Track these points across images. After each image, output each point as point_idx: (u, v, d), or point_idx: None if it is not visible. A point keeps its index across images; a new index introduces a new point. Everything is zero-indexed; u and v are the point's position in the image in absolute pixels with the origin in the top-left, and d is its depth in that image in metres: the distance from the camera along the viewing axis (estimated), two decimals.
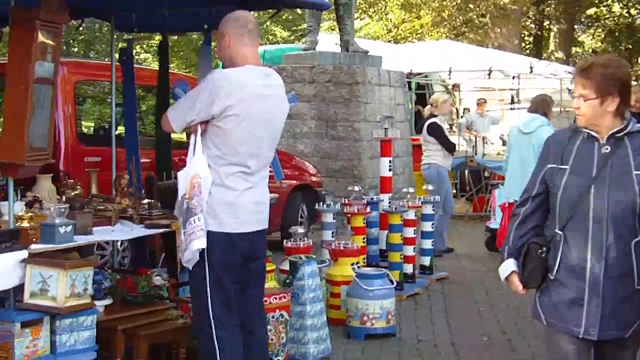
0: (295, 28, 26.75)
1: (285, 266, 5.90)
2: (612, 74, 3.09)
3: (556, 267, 3.15)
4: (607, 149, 3.11)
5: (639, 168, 3.06)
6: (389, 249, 7.59)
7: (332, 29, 23.20)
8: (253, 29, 3.93)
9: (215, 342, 3.83)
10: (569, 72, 14.73)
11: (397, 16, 27.51)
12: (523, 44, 28.65)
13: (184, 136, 6.79)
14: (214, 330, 3.83)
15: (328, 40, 15.04)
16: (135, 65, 6.31)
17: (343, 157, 10.83)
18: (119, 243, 6.54)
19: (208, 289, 3.83)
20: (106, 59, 8.36)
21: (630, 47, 30.49)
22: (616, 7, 30.02)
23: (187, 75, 9.75)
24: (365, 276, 6.09)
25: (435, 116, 9.41)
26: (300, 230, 6.49)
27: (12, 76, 3.95)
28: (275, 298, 5.09)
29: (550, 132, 5.89)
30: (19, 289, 3.91)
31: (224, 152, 3.80)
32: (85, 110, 9.09)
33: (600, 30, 31.68)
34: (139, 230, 4.75)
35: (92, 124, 9.25)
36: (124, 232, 4.72)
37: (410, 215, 7.61)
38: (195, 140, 3.82)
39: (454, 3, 25.47)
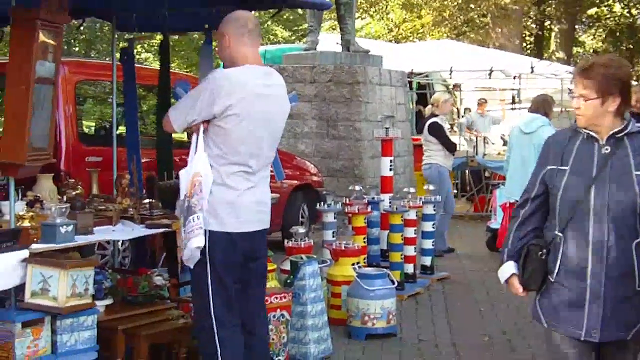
0: (296, 28, 26.72)
1: (286, 266, 5.90)
2: (613, 74, 3.08)
3: (556, 269, 3.13)
4: (607, 149, 3.10)
5: (639, 168, 3.06)
6: (390, 248, 7.59)
7: (333, 29, 23.19)
8: (253, 28, 3.93)
9: (217, 342, 3.83)
10: (570, 72, 14.69)
11: (398, 16, 27.52)
12: (524, 44, 28.63)
13: (185, 136, 6.82)
14: (215, 330, 3.83)
15: (329, 40, 15.05)
16: (136, 65, 6.30)
17: (344, 157, 10.82)
18: (119, 243, 6.52)
19: (209, 288, 3.83)
20: (107, 59, 8.34)
21: (631, 47, 30.44)
22: (617, 7, 29.97)
23: (188, 75, 9.75)
24: (366, 276, 6.09)
25: (436, 116, 9.41)
26: (301, 230, 6.50)
27: (13, 76, 3.95)
28: (276, 298, 5.09)
29: (551, 132, 5.87)
30: (20, 288, 3.91)
31: (225, 151, 3.80)
32: (86, 110, 9.07)
33: (601, 30, 31.64)
34: (139, 230, 4.75)
35: (93, 124, 9.23)
36: (124, 232, 4.72)
37: (411, 215, 7.60)
38: (197, 138, 3.82)
39: (455, 3, 25.47)
